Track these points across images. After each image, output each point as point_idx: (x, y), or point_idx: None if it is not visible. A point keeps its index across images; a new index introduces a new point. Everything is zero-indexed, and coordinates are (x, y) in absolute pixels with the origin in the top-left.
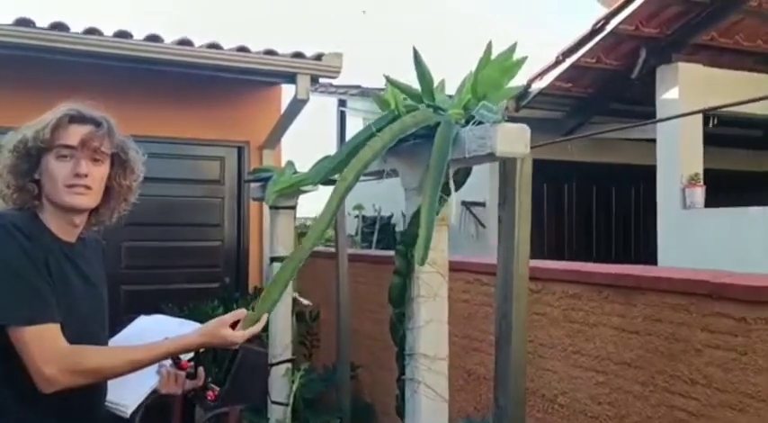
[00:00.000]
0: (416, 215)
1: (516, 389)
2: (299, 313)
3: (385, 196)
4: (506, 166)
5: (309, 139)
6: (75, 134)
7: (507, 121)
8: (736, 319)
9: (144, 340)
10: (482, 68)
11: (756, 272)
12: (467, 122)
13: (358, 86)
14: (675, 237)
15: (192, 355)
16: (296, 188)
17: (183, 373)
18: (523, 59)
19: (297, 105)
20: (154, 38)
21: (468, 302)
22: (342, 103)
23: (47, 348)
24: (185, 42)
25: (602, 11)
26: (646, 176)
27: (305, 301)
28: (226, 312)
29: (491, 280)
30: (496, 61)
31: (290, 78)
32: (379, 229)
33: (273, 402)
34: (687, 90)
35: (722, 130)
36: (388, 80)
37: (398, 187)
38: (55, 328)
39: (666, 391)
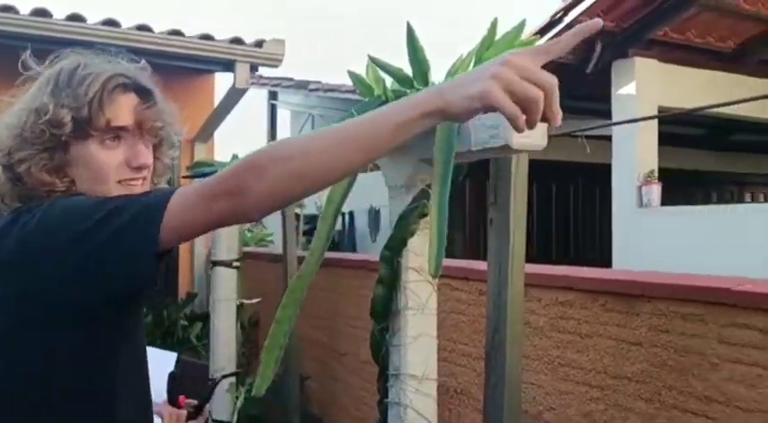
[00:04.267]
0: (404, 217)
1: (511, 408)
2: None
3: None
4: (499, 163)
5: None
6: (125, 109)
7: None
8: (761, 331)
9: None
10: (485, 50)
11: (716, 272)
12: None
13: (290, 78)
14: (631, 236)
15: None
16: None
17: (183, 413)
18: (535, 39)
19: (235, 95)
20: (76, 17)
21: (437, 310)
22: (273, 95)
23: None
24: (110, 23)
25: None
26: (600, 174)
27: (253, 300)
28: (155, 321)
29: (462, 285)
30: (503, 41)
31: (228, 66)
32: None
33: (215, 422)
34: (644, 85)
35: (677, 129)
36: (373, 60)
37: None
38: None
39: (675, 408)
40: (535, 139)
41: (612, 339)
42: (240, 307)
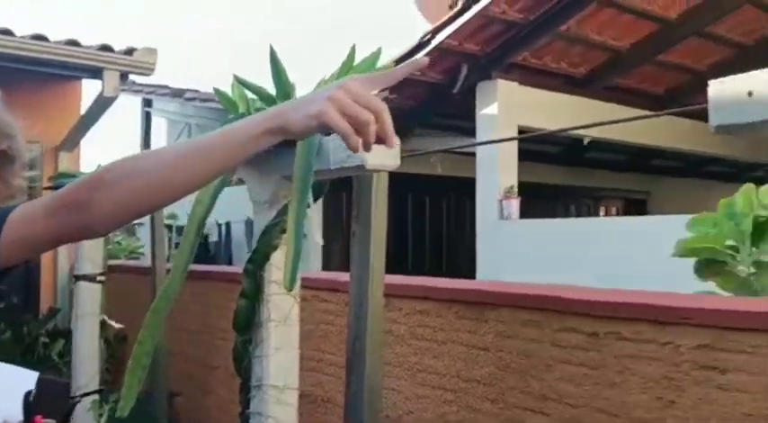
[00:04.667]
0: (267, 232)
1: (371, 413)
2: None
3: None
4: (361, 180)
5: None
6: None
7: None
8: (587, 334)
9: None
10: (344, 74)
11: (571, 281)
12: (327, 132)
13: (166, 86)
14: (494, 247)
15: None
16: None
17: None
18: (390, 66)
19: (103, 103)
20: None
21: (304, 320)
22: (147, 103)
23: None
24: None
25: (427, 25)
26: (470, 188)
27: (115, 325)
28: (14, 337)
29: (331, 296)
30: (360, 67)
31: (96, 73)
32: None
33: None
34: (505, 106)
35: (537, 146)
36: (238, 80)
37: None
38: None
39: (516, 407)
40: (388, 159)
41: (464, 345)
42: (103, 323)
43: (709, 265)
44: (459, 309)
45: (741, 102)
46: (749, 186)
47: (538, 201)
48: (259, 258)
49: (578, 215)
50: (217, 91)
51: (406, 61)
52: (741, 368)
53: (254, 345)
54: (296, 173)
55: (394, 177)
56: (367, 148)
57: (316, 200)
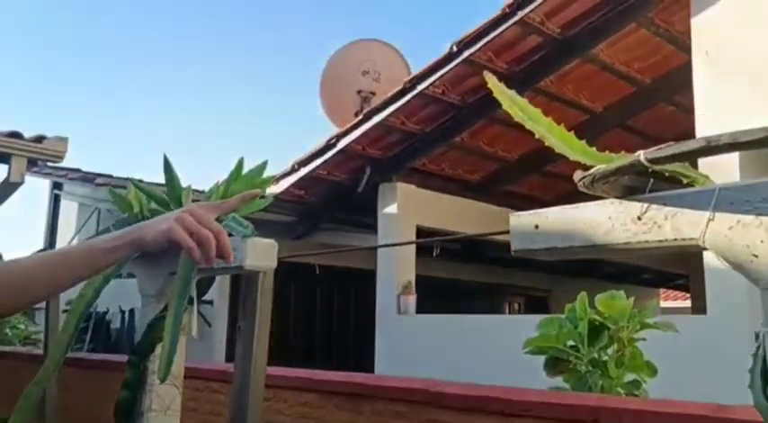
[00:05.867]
0: (153, 325)
1: None
2: None
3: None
4: (248, 278)
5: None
6: None
7: (256, 235)
8: None
9: None
10: (232, 183)
11: (466, 377)
12: None
13: (78, 170)
14: (392, 340)
15: None
16: None
17: None
18: (272, 178)
19: (8, 188)
20: None
21: (196, 411)
22: (57, 185)
23: None
24: None
25: (334, 129)
26: (372, 281)
27: None
28: None
29: (222, 387)
30: (247, 177)
31: (3, 159)
32: (93, 328)
33: None
34: (404, 206)
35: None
36: (134, 184)
37: (117, 283)
38: None
39: None
40: (265, 261)
41: None
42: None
43: (555, 363)
44: (338, 400)
45: (530, 232)
46: (583, 294)
47: (442, 296)
48: (143, 350)
49: (483, 311)
50: (111, 192)
51: (239, 194)
52: None
53: None
54: (179, 271)
55: (302, 269)
56: (209, 260)
57: (200, 296)
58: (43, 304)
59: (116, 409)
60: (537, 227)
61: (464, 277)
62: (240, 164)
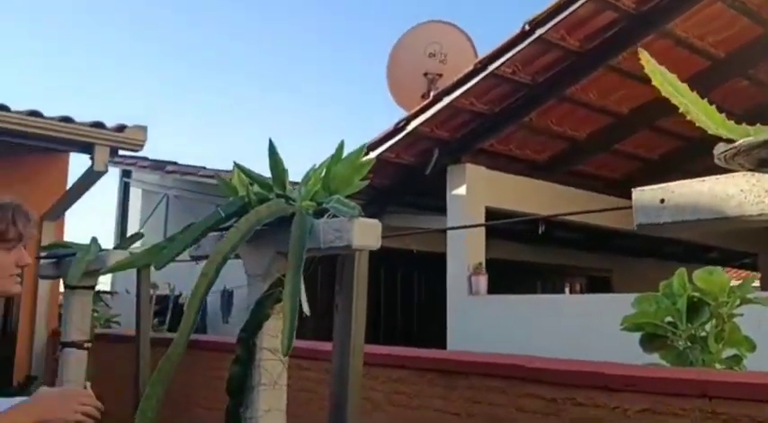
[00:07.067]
0: (261, 303)
1: None
2: None
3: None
4: (345, 257)
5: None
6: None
7: (362, 216)
8: (547, 400)
9: None
10: (334, 165)
11: (536, 353)
12: (317, 214)
13: (146, 158)
14: (463, 320)
15: None
16: (126, 269)
17: None
18: (371, 161)
19: (92, 177)
20: None
21: (289, 387)
22: (126, 173)
23: None
24: None
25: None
26: (442, 263)
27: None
28: None
29: (311, 364)
30: (348, 160)
31: (87, 148)
32: (172, 309)
33: None
34: (473, 188)
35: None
36: (239, 167)
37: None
38: None
39: None
40: (371, 240)
41: (437, 411)
42: (86, 389)
43: (652, 340)
44: (431, 376)
45: (655, 207)
46: (682, 270)
47: (506, 277)
48: (252, 327)
49: (544, 291)
50: (218, 178)
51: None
52: None
53: (244, 407)
54: (291, 250)
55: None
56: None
57: (304, 275)
58: (132, 289)
59: (228, 383)
60: (663, 201)
61: (525, 258)
62: (341, 146)
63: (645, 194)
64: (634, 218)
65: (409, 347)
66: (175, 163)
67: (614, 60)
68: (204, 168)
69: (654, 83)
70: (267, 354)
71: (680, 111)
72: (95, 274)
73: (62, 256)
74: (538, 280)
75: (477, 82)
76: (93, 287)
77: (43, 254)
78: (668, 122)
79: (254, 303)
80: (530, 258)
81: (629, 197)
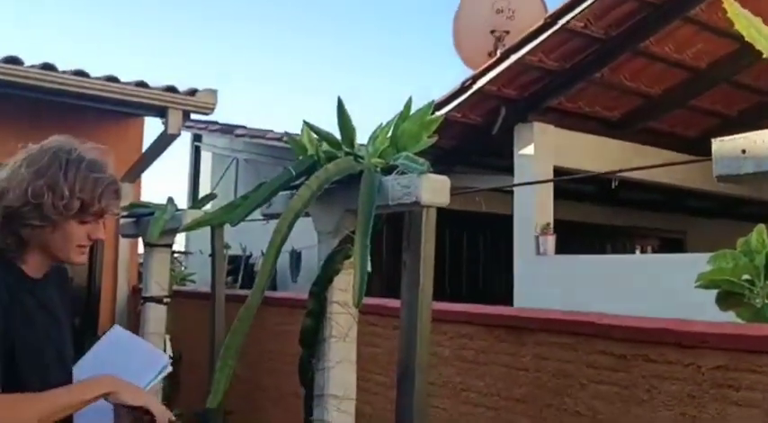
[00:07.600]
0: (331, 258)
1: None
2: None
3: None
4: (412, 214)
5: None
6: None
7: (431, 172)
8: (617, 356)
9: (106, 369)
10: (402, 122)
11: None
12: (385, 171)
13: (216, 122)
14: (530, 280)
15: None
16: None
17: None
18: (440, 117)
19: (166, 140)
20: (13, 60)
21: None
22: (197, 137)
23: None
24: (48, 67)
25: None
26: (507, 224)
27: (169, 352)
28: (77, 357)
29: (378, 320)
30: (416, 116)
31: (161, 112)
32: (243, 269)
33: None
34: (541, 147)
35: (571, 185)
36: (308, 125)
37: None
38: None
39: None
40: (440, 197)
41: (504, 366)
42: (165, 342)
43: (728, 297)
44: (499, 333)
45: (737, 157)
46: (761, 226)
47: (574, 238)
48: (323, 282)
49: (615, 253)
50: (287, 136)
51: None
52: (753, 386)
53: (316, 359)
54: (360, 207)
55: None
56: None
57: (374, 233)
58: (206, 249)
59: (302, 335)
60: (744, 152)
61: (594, 220)
62: (409, 103)
63: (725, 145)
64: (713, 169)
65: (472, 304)
66: (244, 127)
67: (692, 11)
68: (272, 132)
69: (737, 27)
70: (337, 307)
71: (764, 56)
72: (173, 232)
73: (141, 216)
74: (607, 242)
75: (547, 37)
76: (170, 245)
77: (124, 213)
78: (748, 77)
79: (325, 259)
80: (599, 220)
81: (706, 155)
